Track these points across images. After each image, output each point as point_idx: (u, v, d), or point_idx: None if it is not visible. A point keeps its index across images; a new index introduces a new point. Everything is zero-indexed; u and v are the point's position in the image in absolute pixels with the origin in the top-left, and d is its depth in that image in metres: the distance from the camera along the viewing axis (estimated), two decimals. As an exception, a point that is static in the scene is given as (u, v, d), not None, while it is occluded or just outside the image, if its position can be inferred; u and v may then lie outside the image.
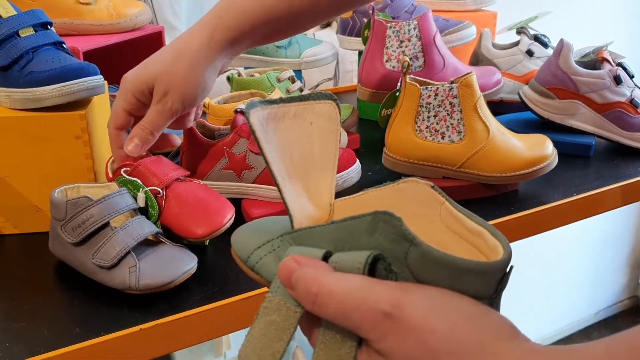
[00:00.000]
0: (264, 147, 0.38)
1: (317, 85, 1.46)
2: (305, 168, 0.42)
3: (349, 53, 1.45)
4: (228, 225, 0.70)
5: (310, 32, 1.44)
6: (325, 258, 0.36)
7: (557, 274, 2.34)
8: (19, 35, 0.74)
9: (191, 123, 0.78)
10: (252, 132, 0.38)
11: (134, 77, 0.70)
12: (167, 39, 1.12)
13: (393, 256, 0.33)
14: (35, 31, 0.75)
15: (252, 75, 1.03)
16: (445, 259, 0.32)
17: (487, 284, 0.33)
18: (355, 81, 1.50)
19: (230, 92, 1.01)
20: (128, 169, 0.72)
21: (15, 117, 0.72)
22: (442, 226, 0.40)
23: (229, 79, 1.03)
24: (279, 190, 0.39)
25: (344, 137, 0.93)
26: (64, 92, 0.70)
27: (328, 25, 1.52)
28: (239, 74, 1.03)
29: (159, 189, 0.71)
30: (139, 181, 0.71)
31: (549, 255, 2.25)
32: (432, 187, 0.41)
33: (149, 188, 0.71)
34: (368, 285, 0.33)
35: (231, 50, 0.71)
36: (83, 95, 0.72)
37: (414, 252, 0.33)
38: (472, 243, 0.38)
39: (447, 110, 0.82)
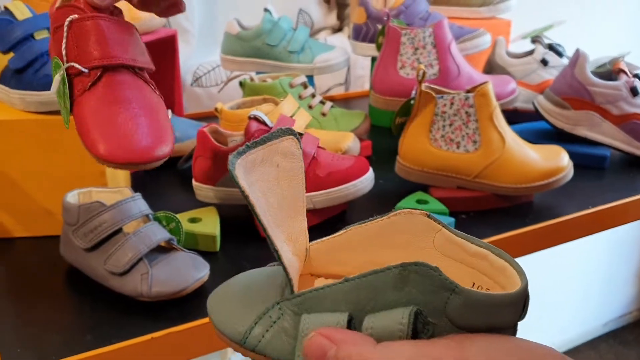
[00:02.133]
0: (251, 201, 0.34)
1: (328, 90, 1.45)
2: (282, 215, 0.38)
3: (361, 58, 1.45)
4: (156, 162, 0.53)
5: (322, 37, 1.43)
6: (349, 323, 0.32)
7: (564, 284, 2.32)
8: (34, 38, 0.74)
9: None
10: (238, 187, 0.34)
11: None
12: (180, 43, 1.12)
13: (429, 308, 0.31)
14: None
15: (264, 81, 1.03)
16: (487, 299, 0.31)
17: (516, 311, 0.32)
18: (366, 87, 1.50)
19: (243, 97, 1.01)
20: (72, 17, 0.53)
21: (29, 119, 0.71)
22: (436, 252, 0.39)
23: (241, 84, 1.02)
24: (272, 245, 0.35)
25: (357, 144, 0.93)
26: (79, 96, 0.70)
27: (340, 30, 1.52)
28: (252, 79, 1.03)
29: (83, 69, 0.52)
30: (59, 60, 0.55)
31: (556, 266, 2.24)
32: (428, 216, 0.39)
33: (70, 64, 0.53)
34: (424, 353, 0.29)
35: None
36: (97, 99, 0.71)
37: (456, 300, 0.31)
38: (474, 266, 0.36)
39: (463, 120, 0.81)
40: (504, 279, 0.34)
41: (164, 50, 1.06)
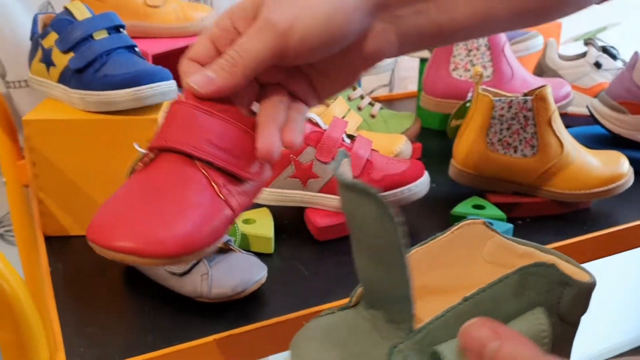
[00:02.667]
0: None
1: (372, 92, 1.44)
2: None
3: (405, 60, 1.43)
4: (122, 256, 0.42)
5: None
6: None
7: (604, 292, 2.28)
8: (93, 38, 0.74)
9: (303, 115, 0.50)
10: (392, 226, 0.31)
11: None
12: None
13: (545, 308, 0.31)
14: (109, 34, 0.76)
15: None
16: (589, 286, 0.32)
17: None
18: (410, 88, 1.48)
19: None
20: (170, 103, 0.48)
21: (88, 119, 0.72)
22: (483, 261, 0.39)
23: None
24: (409, 292, 0.32)
25: (408, 147, 0.92)
26: (138, 96, 0.70)
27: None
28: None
29: (141, 150, 0.48)
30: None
31: (597, 272, 2.19)
32: (484, 224, 0.39)
33: (141, 148, 0.50)
34: None
35: (385, 9, 0.48)
36: (156, 100, 0.72)
37: (569, 292, 0.31)
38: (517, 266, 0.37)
39: (521, 124, 0.80)
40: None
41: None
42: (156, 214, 0.43)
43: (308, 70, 0.49)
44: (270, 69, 0.46)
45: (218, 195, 0.45)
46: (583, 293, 0.31)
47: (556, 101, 0.98)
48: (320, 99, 0.51)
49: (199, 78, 0.46)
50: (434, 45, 0.52)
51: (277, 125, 0.46)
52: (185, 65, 0.48)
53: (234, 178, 0.46)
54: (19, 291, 0.49)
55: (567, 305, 0.31)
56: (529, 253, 0.36)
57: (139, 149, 0.48)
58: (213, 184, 0.45)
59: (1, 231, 1.20)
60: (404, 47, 0.49)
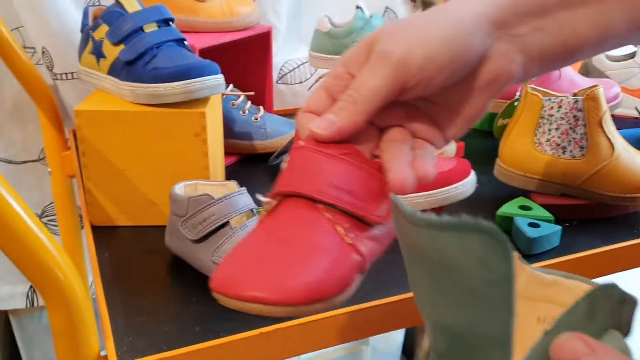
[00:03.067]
0: None
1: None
2: None
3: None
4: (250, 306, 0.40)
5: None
6: None
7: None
8: (144, 31, 0.75)
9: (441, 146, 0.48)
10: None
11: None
12: (271, 39, 1.12)
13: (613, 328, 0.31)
14: (159, 27, 0.76)
15: (356, 78, 1.02)
16: (636, 301, 0.30)
17: None
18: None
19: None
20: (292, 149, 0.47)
21: (138, 111, 0.72)
22: (518, 299, 0.37)
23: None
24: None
25: (453, 146, 0.91)
26: (188, 90, 0.71)
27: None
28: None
29: (263, 197, 0.47)
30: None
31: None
32: (519, 258, 0.37)
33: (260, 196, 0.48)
34: None
35: (504, 28, 0.45)
36: (205, 93, 0.72)
37: (627, 310, 0.30)
38: (547, 298, 0.35)
39: (571, 124, 0.78)
40: (574, 298, 0.32)
41: (259, 46, 1.06)
42: (282, 262, 0.41)
43: (429, 107, 0.46)
44: (389, 110, 0.44)
45: (344, 239, 0.43)
46: (635, 310, 0.30)
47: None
48: (445, 137, 0.47)
49: (319, 122, 0.44)
50: (560, 66, 0.48)
51: (407, 160, 0.44)
52: (301, 118, 0.46)
53: (361, 222, 0.43)
54: (73, 279, 0.49)
55: (625, 323, 0.30)
56: (556, 282, 0.35)
57: (262, 198, 0.48)
58: (338, 228, 0.43)
59: (44, 221, 1.22)
60: (530, 68, 0.46)
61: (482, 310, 0.30)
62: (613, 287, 0.30)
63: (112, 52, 0.75)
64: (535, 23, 0.44)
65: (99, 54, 0.77)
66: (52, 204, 1.20)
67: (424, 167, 0.43)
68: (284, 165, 0.47)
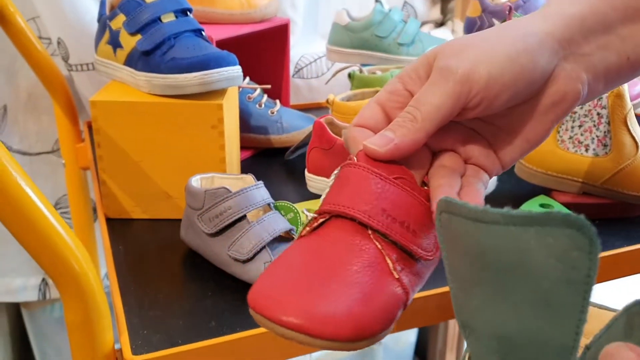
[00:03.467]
0: None
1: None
2: None
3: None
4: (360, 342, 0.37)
5: (424, 31, 1.40)
6: None
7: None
8: (161, 21, 0.74)
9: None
10: None
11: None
12: (288, 32, 1.11)
13: None
14: (176, 17, 0.75)
15: (373, 73, 1.01)
16: None
17: None
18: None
19: (351, 89, 0.99)
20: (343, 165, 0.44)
21: (154, 102, 0.71)
22: None
23: (350, 76, 1.01)
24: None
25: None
26: (205, 81, 0.70)
27: (442, 24, 1.48)
28: (361, 71, 1.01)
29: (309, 213, 0.46)
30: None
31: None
32: None
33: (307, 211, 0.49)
34: None
35: (570, 47, 0.43)
36: (223, 85, 0.71)
37: None
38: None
39: (594, 121, 0.76)
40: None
41: (276, 39, 1.05)
42: (326, 288, 0.37)
43: (488, 129, 0.44)
44: (445, 131, 0.43)
45: (392, 271, 0.40)
46: None
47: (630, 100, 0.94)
48: (502, 163, 0.45)
49: (376, 139, 0.41)
50: (624, 81, 0.46)
51: (454, 189, 0.41)
52: (353, 132, 0.44)
53: (407, 255, 0.41)
54: (89, 271, 0.48)
55: None
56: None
57: (307, 214, 0.46)
58: (387, 259, 0.40)
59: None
60: (595, 86, 0.44)
61: (552, 315, 0.28)
62: None
63: (129, 42, 0.75)
64: (600, 40, 0.43)
65: (115, 44, 0.77)
66: (66, 196, 1.20)
67: (472, 196, 0.41)
68: (331, 181, 0.45)
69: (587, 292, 0.27)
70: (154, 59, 0.72)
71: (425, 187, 0.43)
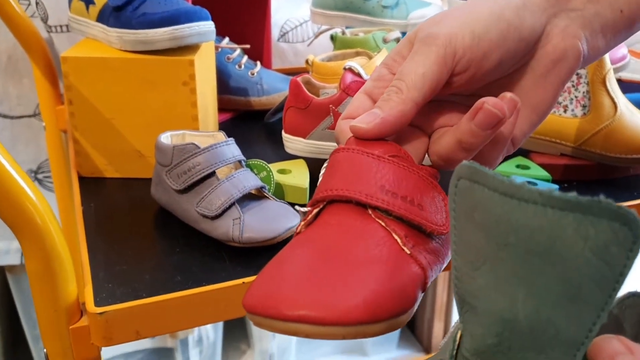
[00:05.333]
0: None
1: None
2: None
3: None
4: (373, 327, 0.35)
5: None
6: None
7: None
8: (133, -24, 0.73)
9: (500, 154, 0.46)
10: None
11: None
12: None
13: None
14: (149, -28, 0.74)
15: (356, 35, 0.99)
16: None
17: None
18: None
19: (334, 50, 0.98)
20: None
21: (125, 58, 0.70)
22: None
23: (332, 37, 0.99)
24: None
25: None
26: (176, 36, 0.68)
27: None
28: (343, 33, 0.99)
29: (301, 207, 0.44)
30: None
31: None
32: None
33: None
34: None
35: (557, 3, 0.42)
36: (194, 40, 0.70)
37: None
38: None
39: (573, 82, 0.76)
40: None
41: (256, 1, 1.03)
42: (332, 275, 0.35)
43: None
44: (439, 112, 0.41)
45: (402, 248, 0.38)
46: None
47: (611, 62, 0.93)
48: (512, 139, 0.43)
49: (362, 117, 0.40)
50: (625, 37, 0.44)
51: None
52: (340, 124, 0.43)
53: (418, 231, 0.39)
54: (50, 223, 0.48)
55: None
56: None
57: (300, 209, 0.44)
58: (395, 236, 0.38)
59: (40, 177, 1.21)
60: (595, 43, 0.42)
61: (572, 308, 0.26)
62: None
63: (100, -2, 0.73)
64: None
65: (88, 0, 0.75)
66: (48, 160, 1.19)
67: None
68: (322, 172, 0.43)
69: (615, 290, 0.25)
70: (125, 15, 0.71)
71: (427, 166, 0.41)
